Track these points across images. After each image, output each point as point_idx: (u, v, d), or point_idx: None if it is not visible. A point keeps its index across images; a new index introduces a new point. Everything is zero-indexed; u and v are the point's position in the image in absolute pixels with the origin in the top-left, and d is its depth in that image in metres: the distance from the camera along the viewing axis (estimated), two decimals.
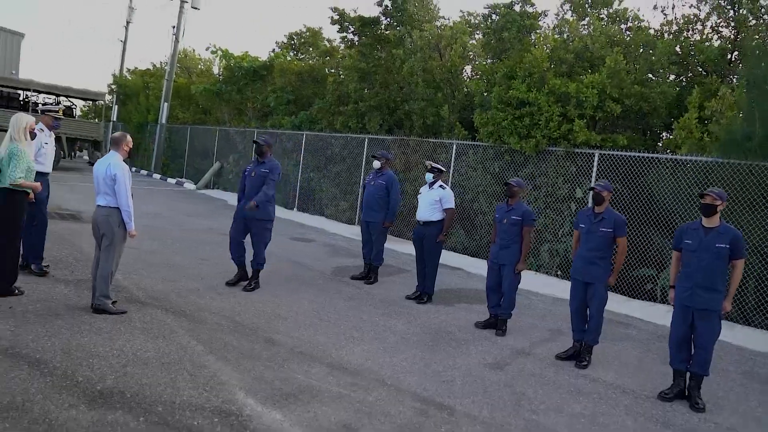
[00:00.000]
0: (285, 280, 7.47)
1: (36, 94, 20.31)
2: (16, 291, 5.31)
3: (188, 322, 5.23)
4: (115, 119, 29.27)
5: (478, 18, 11.91)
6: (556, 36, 10.47)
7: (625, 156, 8.57)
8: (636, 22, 10.61)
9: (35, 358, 3.99)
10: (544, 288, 8.40)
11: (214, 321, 5.35)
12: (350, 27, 13.88)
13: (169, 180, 21.64)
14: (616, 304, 7.79)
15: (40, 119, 6.38)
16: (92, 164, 23.82)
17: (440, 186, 7.07)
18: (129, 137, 5.26)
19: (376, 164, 7.95)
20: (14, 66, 29.47)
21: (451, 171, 11.04)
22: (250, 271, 6.86)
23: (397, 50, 12.29)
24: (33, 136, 5.28)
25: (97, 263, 5.15)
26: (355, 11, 13.75)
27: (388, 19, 13.22)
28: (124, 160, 5.21)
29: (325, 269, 8.52)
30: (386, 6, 13.20)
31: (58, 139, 19.53)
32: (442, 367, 4.85)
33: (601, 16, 10.93)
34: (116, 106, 29.36)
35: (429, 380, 4.53)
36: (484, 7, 10.72)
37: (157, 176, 22.58)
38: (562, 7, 11.67)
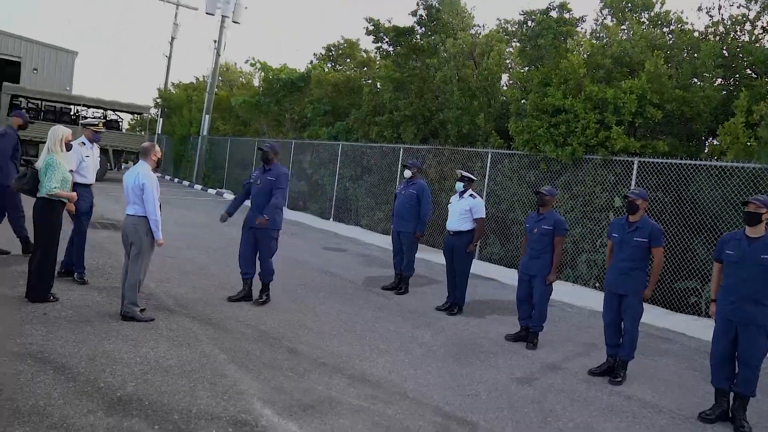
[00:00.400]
0: (314, 289, 7.45)
1: (85, 108, 21.10)
2: (52, 298, 5.45)
3: (213, 330, 5.25)
4: (159, 132, 30.19)
5: (515, 26, 11.72)
6: (593, 41, 10.20)
7: (667, 163, 8.23)
8: (679, 25, 10.24)
9: (61, 363, 4.06)
10: (580, 300, 8.12)
11: (239, 330, 5.36)
12: (385, 37, 13.90)
13: (210, 191, 22.10)
14: (657, 317, 7.46)
15: (82, 132, 6.60)
16: None
17: (471, 195, 6.94)
18: (157, 147, 5.36)
19: (407, 173, 7.87)
20: (68, 82, 30.77)
21: (486, 180, 10.87)
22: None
23: (431, 59, 12.22)
24: (69, 147, 5.43)
25: (126, 271, 5.24)
26: (389, 21, 13.79)
27: (423, 29, 13.18)
28: (153, 170, 5.31)
29: (356, 279, 8.47)
30: (421, 16, 13.18)
31: (104, 151, 20.30)
32: (468, 381, 4.71)
33: (641, 20, 10.60)
34: (161, 119, 30.28)
35: (453, 394, 4.39)
36: (519, 14, 10.58)
37: (198, 187, 23.10)
38: (601, 12, 11.40)
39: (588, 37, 10.56)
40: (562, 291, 8.48)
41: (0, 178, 7.12)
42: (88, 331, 4.77)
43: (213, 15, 23.22)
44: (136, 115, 27.83)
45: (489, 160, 10.86)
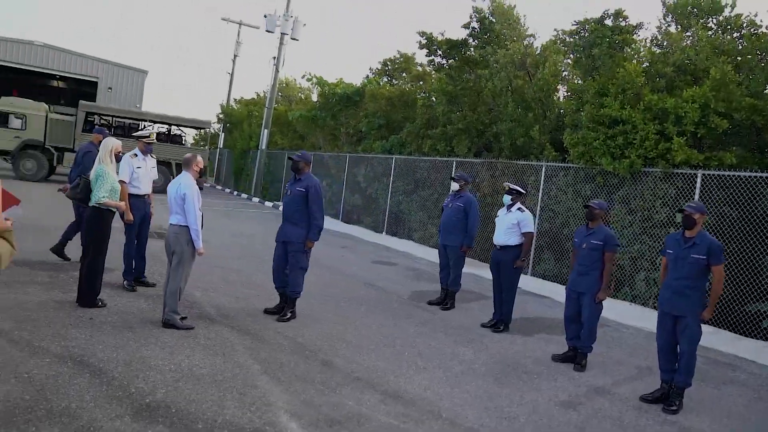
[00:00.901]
0: (358, 303, 7.37)
1: (151, 123, 22.08)
2: (100, 303, 5.62)
3: (251, 340, 5.25)
4: (221, 146, 31.22)
5: (569, 36, 11.39)
6: (653, 49, 9.74)
7: (735, 176, 7.69)
8: (752, 29, 9.60)
9: (98, 367, 4.13)
10: (637, 320, 7.66)
11: (276, 341, 5.33)
12: (438, 50, 13.82)
13: (267, 203, 22.57)
14: (724, 342, 6.93)
15: (136, 145, 6.84)
16: (200, 188, 25.46)
17: (519, 209, 6.69)
18: (199, 158, 5.45)
19: (455, 186, 7.71)
20: (138, 100, 32.40)
21: (540, 194, 10.54)
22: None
23: (483, 70, 12.03)
24: (118, 158, 5.61)
25: (168, 279, 5.33)
26: (442, 34, 13.70)
27: (476, 41, 13.03)
28: (197, 180, 5.40)
29: (402, 293, 8.34)
30: (473, 28, 13.03)
31: (168, 164, 21.14)
32: (507, 402, 4.48)
33: (708, 25, 10.04)
34: (223, 134, 31.32)
35: (489, 415, 4.18)
36: (572, 24, 10.25)
37: (256, 200, 23.65)
38: (664, 19, 10.89)
39: (648, 44, 10.09)
40: (619, 310, 8.04)
41: None
42: (128, 337, 4.86)
43: (272, 32, 23.90)
44: (200, 130, 28.88)
45: (543, 174, 10.53)
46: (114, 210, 5.62)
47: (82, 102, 20.90)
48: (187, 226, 5.22)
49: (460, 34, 13.57)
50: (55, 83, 36.52)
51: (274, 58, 24.49)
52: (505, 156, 11.97)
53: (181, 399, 3.78)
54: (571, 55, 11.83)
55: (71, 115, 20.42)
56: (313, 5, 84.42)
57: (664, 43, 9.88)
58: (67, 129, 20.00)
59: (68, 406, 3.49)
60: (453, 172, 12.88)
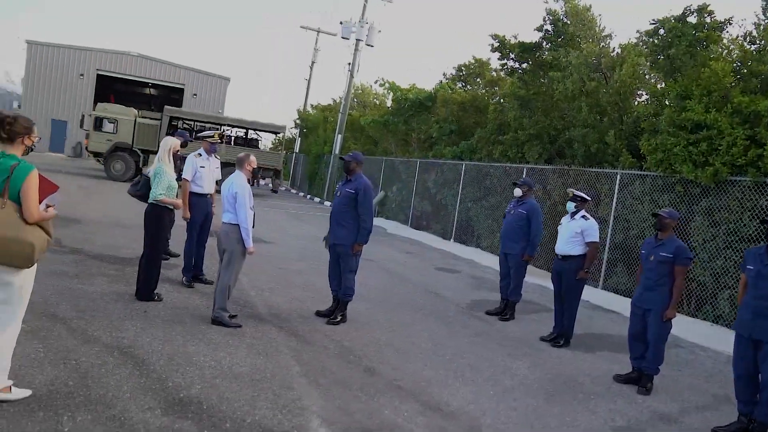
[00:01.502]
0: (413, 309, 7.19)
1: (230, 128, 22.93)
2: (156, 297, 5.78)
3: (296, 342, 5.20)
4: (297, 150, 31.96)
5: (646, 36, 10.68)
6: (746, 46, 8.93)
7: None
8: None
9: (142, 359, 4.21)
10: (718, 343, 6.99)
11: (322, 344, 5.25)
12: (510, 53, 13.43)
13: None
14: None
15: (201, 145, 7.03)
16: (275, 191, 26.25)
17: (583, 216, 6.30)
18: (252, 157, 5.48)
19: (518, 192, 7.39)
20: (220, 106, 33.91)
21: (614, 203, 9.93)
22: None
23: (555, 73, 11.54)
24: (176, 157, 5.75)
25: (219, 277, 5.39)
26: (515, 37, 13.30)
27: (549, 44, 12.53)
28: (250, 179, 5.44)
29: (461, 301, 8.08)
30: (547, 30, 12.55)
31: None
32: (556, 423, 4.16)
33: None
34: (299, 139, 32.08)
35: None
36: (650, 23, 9.57)
37: (327, 203, 23.98)
38: (764, 14, 9.96)
39: (740, 41, 9.26)
40: (698, 331, 7.41)
41: None
42: (177, 332, 4.94)
43: (348, 39, 24.24)
44: (276, 134, 29.76)
45: (618, 182, 9.92)
46: (171, 207, 5.76)
47: (166, 107, 22.05)
48: (238, 225, 5.26)
49: (534, 37, 13.12)
50: (147, 90, 38.93)
51: (349, 64, 24.84)
52: (578, 163, 11.41)
53: (214, 396, 3.77)
54: (650, 56, 11.12)
55: (157, 119, 21.58)
56: (389, 12, 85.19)
57: (756, 39, 9.02)
58: (153, 132, 21.14)
59: (105, 395, 3.55)
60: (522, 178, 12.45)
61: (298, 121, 32.76)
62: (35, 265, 3.31)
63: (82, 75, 32.57)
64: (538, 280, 10.15)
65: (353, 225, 5.99)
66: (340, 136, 25.06)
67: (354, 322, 6.12)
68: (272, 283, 7.47)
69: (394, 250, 12.59)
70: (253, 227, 5.45)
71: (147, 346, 4.51)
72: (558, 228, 6.60)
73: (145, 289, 5.70)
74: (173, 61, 34.32)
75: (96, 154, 21.34)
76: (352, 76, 24.79)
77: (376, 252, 11.84)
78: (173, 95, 35.59)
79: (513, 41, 13.31)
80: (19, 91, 33.57)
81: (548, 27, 12.57)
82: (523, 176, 12.39)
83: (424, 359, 5.23)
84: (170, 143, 5.70)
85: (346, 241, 6.01)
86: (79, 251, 7.67)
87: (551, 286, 9.69)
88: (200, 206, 6.85)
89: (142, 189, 5.77)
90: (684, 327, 7.28)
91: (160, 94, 38.31)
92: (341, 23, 24.53)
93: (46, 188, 3.30)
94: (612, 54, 11.08)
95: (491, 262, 12.31)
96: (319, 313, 6.22)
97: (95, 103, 27.17)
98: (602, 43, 11.93)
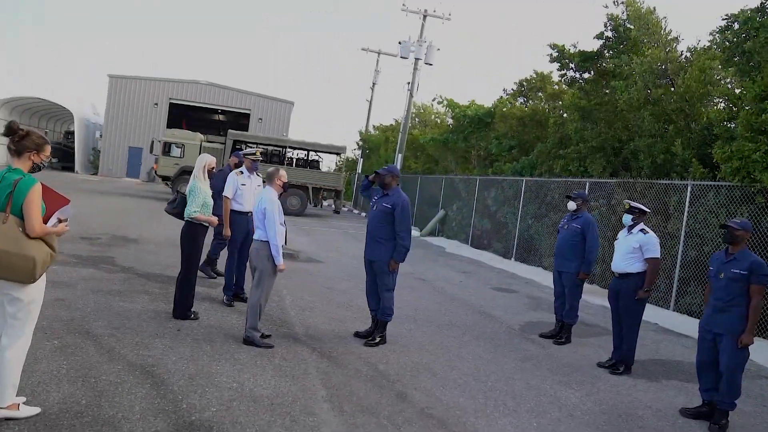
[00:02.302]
0: (461, 330, 6.80)
1: (291, 150, 23.32)
2: (192, 316, 5.71)
3: (328, 364, 4.94)
4: (359, 171, 32.14)
5: (724, 32, 9.87)
6: None
7: None
8: None
9: (162, 379, 4.08)
10: None
11: (355, 367, 4.97)
12: (570, 63, 12.87)
13: None
14: None
15: (244, 162, 6.99)
16: (337, 212, 26.40)
17: (641, 230, 5.74)
18: (282, 172, 5.31)
19: (572, 205, 6.89)
20: (285, 129, 34.71)
21: (684, 217, 9.15)
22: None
23: (617, 82, 10.89)
24: (211, 175, 5.70)
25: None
26: (575, 46, 12.74)
27: (611, 51, 11.89)
28: (281, 195, 5.30)
29: (513, 323, 7.60)
30: (608, 38, 11.92)
31: (304, 188, 22.08)
32: None
33: None
34: (361, 160, 32.26)
35: None
36: (722, 18, 8.79)
37: None
38: None
39: None
40: None
41: (215, 209, 7.99)
42: (204, 351, 4.81)
43: (407, 58, 24.23)
44: (337, 155, 30.04)
45: (689, 194, 9.14)
46: (206, 225, 5.70)
47: (230, 131, 22.73)
48: (267, 242, 5.10)
49: (594, 45, 12.51)
50: (216, 116, 40.54)
51: (409, 83, 24.78)
52: (644, 175, 10.67)
53: (227, 420, 3.56)
54: (722, 55, 10.29)
55: (222, 143, 22.25)
56: (447, 29, 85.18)
57: None
58: (218, 156, 21.78)
59: (114, 416, 3.42)
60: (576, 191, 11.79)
61: (359, 143, 33.01)
62: (44, 280, 3.25)
63: (156, 104, 34.31)
64: (599, 300, 9.48)
65: (390, 241, 5.72)
66: (400, 155, 24.95)
67: (393, 344, 5.81)
68: (315, 303, 7.29)
69: (450, 270, 12.19)
70: (285, 244, 5.29)
71: (171, 365, 4.38)
72: (615, 243, 6.06)
73: (181, 308, 5.64)
74: (240, 87, 35.60)
75: (164, 178, 22.22)
76: (411, 95, 24.70)
77: (429, 272, 11.50)
78: (241, 120, 36.83)
79: (573, 50, 12.76)
80: (102, 122, 35.78)
81: (609, 33, 11.97)
82: (586, 191, 11.75)
83: (462, 385, 4.84)
84: (205, 161, 5.66)
85: (383, 258, 5.73)
86: (130, 270, 7.80)
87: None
88: (241, 224, 6.78)
89: (178, 207, 5.74)
90: (766, 354, 6.49)
91: (228, 119, 39.78)
92: (400, 43, 24.56)
93: (57, 201, 3.24)
94: (680, 59, 10.33)
95: (552, 281, 11.67)
96: (357, 335, 5.95)
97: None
98: (668, 48, 11.18)
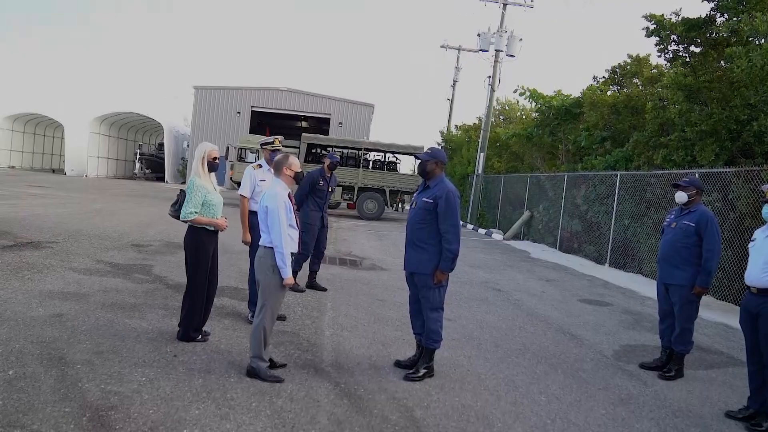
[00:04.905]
0: (536, 358, 5.39)
1: (366, 152, 22.46)
2: (200, 337, 4.75)
3: (348, 408, 3.77)
4: None
5: None
6: None
7: None
8: None
9: (112, 428, 3.09)
10: None
11: (382, 412, 3.76)
12: (672, 35, 10.93)
13: (480, 230, 21.11)
14: None
15: (262, 154, 6.01)
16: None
17: None
18: (292, 159, 4.21)
19: (681, 197, 5.31)
20: (365, 132, 34.03)
21: None
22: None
23: (734, 48, 8.91)
24: (212, 167, 4.70)
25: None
26: (677, 14, 10.78)
27: (725, 14, 9.87)
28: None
29: (606, 347, 6.08)
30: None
31: (381, 191, 21.14)
32: None
33: None
34: None
35: None
36: None
37: (470, 226, 22.36)
38: None
39: None
40: None
41: (301, 215, 7.32)
42: (192, 386, 3.80)
43: (487, 51, 22.69)
44: (417, 157, 28.90)
45: None
46: (212, 229, 4.72)
47: (304, 134, 22.24)
48: (272, 248, 4.02)
49: (702, 10, 10.53)
50: (299, 123, 40.72)
51: (489, 77, 23.23)
52: None
53: None
54: None
55: (296, 147, 21.79)
56: (530, 18, 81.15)
57: None
58: None
59: None
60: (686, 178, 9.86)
61: (441, 143, 31.70)
62: None
63: (239, 113, 34.82)
64: (721, 317, 7.67)
65: (434, 247, 4.45)
66: (482, 154, 23.46)
67: (443, 377, 4.55)
68: (359, 320, 6.16)
69: (532, 278, 10.66)
70: (297, 253, 4.19)
71: (137, 407, 3.40)
72: (749, 247, 4.44)
73: (185, 329, 4.70)
74: (320, 92, 35.39)
75: (239, 183, 22.07)
76: (493, 89, 23.13)
77: (507, 280, 10.06)
78: (323, 126, 36.68)
79: (674, 20, 10.82)
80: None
81: None
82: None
83: None
84: (203, 150, 4.64)
85: (425, 268, 4.48)
86: (162, 280, 7.06)
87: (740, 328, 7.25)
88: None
89: (180, 208, 4.80)
90: None
91: (310, 125, 39.81)
92: (479, 35, 23.06)
93: None
94: None
95: (655, 291, 9.82)
96: (398, 364, 4.73)
97: None
98: None
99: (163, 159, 36.60)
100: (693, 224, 5.09)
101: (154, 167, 38.09)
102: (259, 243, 4.17)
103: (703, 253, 4.98)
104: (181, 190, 4.76)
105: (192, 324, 4.71)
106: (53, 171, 38.64)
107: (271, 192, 4.06)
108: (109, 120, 36.65)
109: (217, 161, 4.70)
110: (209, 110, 34.83)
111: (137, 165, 38.64)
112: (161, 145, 38.41)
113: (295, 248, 4.13)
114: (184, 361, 4.28)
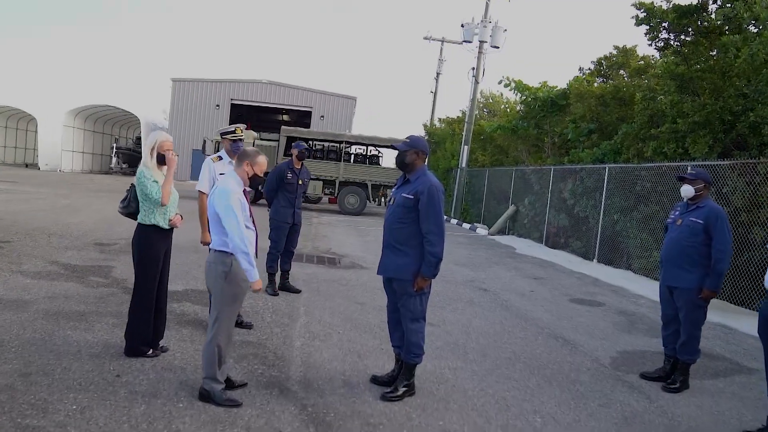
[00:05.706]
0: (527, 369, 4.90)
1: (348, 145, 21.89)
2: (150, 352, 4.17)
3: None
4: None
5: None
6: None
7: None
8: None
9: None
10: None
11: None
12: (662, 24, 10.49)
13: (464, 225, 20.68)
14: None
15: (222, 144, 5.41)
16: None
17: None
18: (261, 159, 3.54)
19: (688, 190, 4.84)
20: (347, 125, 33.45)
21: None
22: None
23: (729, 37, 8.48)
24: (161, 159, 4.10)
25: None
26: (668, 1, 10.35)
27: (717, 2, 9.45)
28: (250, 188, 3.64)
29: (602, 354, 5.61)
30: None
31: (363, 185, 20.61)
32: None
33: None
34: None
35: None
36: None
37: (454, 221, 21.90)
38: None
39: None
40: None
41: (270, 212, 6.85)
42: (134, 415, 3.23)
43: (470, 42, 22.20)
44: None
45: None
46: (164, 226, 4.15)
47: (283, 127, 21.65)
48: (222, 252, 3.45)
49: None
50: (279, 117, 39.97)
51: (473, 69, 22.73)
52: None
53: None
54: None
55: (275, 140, 21.16)
56: (515, 8, 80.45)
57: None
58: (272, 153, 20.69)
59: None
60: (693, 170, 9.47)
61: (424, 136, 31.18)
62: None
63: (218, 106, 34.02)
64: (719, 317, 7.26)
65: (414, 250, 3.90)
66: (466, 147, 22.99)
67: (425, 396, 4.03)
68: (334, 326, 5.63)
69: (520, 276, 10.21)
70: (255, 255, 3.63)
71: None
72: None
73: (131, 341, 4.13)
74: (301, 85, 34.67)
75: None
76: (477, 81, 22.64)
77: (494, 279, 9.58)
78: (304, 119, 35.98)
79: (665, 7, 10.38)
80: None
81: None
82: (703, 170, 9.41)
83: None
84: (155, 139, 4.05)
85: (405, 273, 3.92)
86: (120, 284, 6.46)
87: (746, 329, 6.84)
88: None
89: (129, 205, 4.22)
90: None
91: (292, 119, 39.09)
92: (462, 26, 22.55)
93: None
94: None
95: (647, 289, 9.45)
96: (375, 380, 4.20)
97: None
98: None
99: (140, 153, 35.67)
100: (701, 221, 4.62)
101: (131, 162, 37.11)
102: (210, 246, 3.61)
103: (713, 253, 4.51)
104: (132, 184, 4.17)
105: (140, 336, 4.13)
106: (26, 165, 37.52)
107: (221, 187, 3.48)
108: (85, 113, 35.58)
109: (173, 156, 4.09)
110: (188, 103, 33.98)
111: (114, 159, 37.63)
112: (139, 139, 37.44)
113: (252, 251, 3.56)
114: (128, 382, 3.71)
